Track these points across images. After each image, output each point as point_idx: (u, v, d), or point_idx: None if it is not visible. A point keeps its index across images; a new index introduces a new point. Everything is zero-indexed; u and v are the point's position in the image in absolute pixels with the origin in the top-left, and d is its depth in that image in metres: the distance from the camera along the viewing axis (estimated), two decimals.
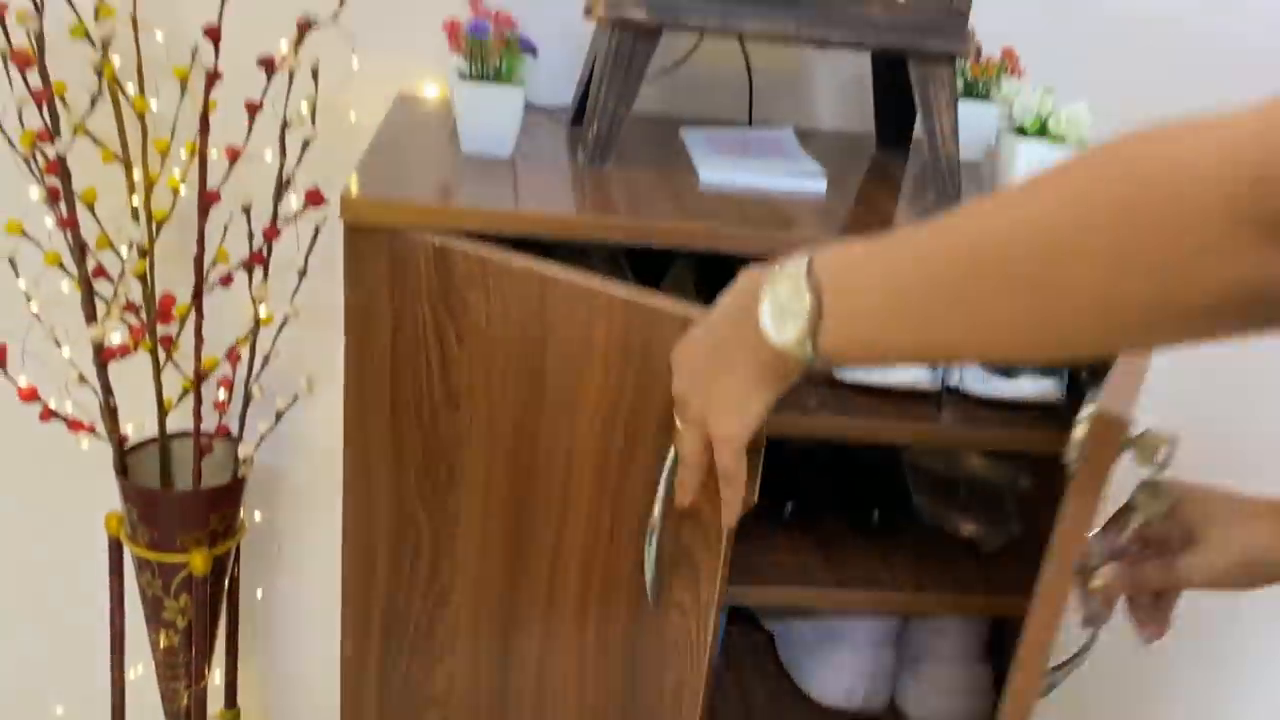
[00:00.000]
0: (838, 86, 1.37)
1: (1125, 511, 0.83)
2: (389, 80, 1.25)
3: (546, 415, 0.91)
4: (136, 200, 1.10)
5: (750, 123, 1.33)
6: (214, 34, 1.04)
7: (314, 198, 1.09)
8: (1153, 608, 0.86)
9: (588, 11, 1.05)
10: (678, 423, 0.78)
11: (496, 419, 0.93)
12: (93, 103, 1.02)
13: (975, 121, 1.20)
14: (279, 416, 1.18)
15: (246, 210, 1.06)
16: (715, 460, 0.76)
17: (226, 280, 1.14)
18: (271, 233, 1.09)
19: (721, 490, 0.79)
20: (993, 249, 0.55)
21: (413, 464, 0.97)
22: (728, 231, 0.93)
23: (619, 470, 0.90)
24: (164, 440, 1.22)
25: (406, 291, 0.92)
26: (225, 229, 1.16)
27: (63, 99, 1.10)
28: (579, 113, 1.21)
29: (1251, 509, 0.82)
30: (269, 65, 1.05)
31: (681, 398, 0.76)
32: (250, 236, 1.08)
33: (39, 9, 1.02)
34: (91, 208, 1.12)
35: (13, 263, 1.14)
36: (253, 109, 1.07)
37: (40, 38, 1.02)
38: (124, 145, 1.15)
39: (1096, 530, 0.82)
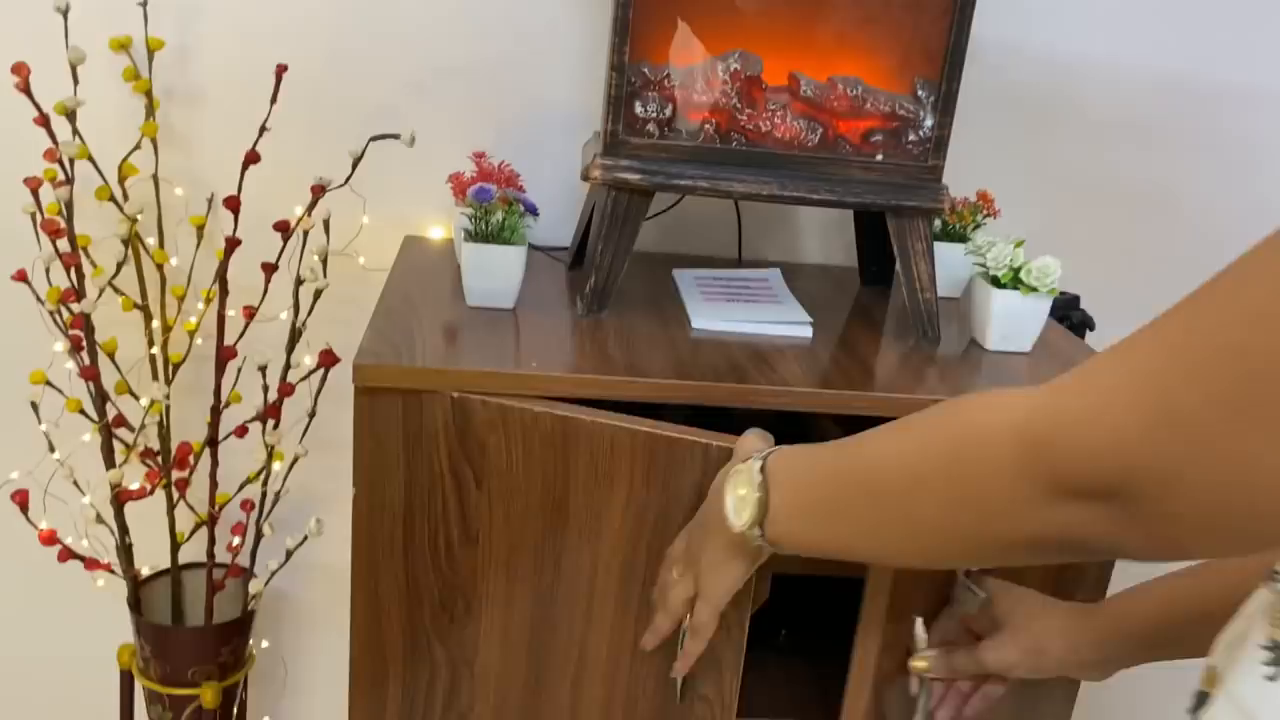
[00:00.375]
0: (822, 225, 1.44)
1: (949, 604, 0.96)
2: (396, 225, 1.31)
3: (569, 542, 0.97)
4: (155, 349, 1.16)
5: (739, 258, 1.40)
6: (233, 204, 1.11)
7: (327, 358, 1.15)
8: (969, 694, 0.97)
9: (585, 176, 1.12)
10: (674, 574, 0.86)
11: (517, 550, 0.98)
12: (118, 268, 1.07)
13: (952, 261, 1.26)
14: (289, 555, 1.22)
15: (262, 369, 1.11)
16: (693, 612, 0.87)
17: (241, 431, 1.19)
18: (286, 389, 1.15)
19: (687, 642, 0.89)
20: (876, 475, 0.67)
21: (428, 600, 1.01)
22: (720, 390, 0.99)
23: (642, 590, 0.97)
24: (176, 574, 1.26)
25: (421, 442, 0.97)
26: (239, 371, 1.22)
27: (87, 253, 1.16)
28: (578, 255, 1.27)
29: (1051, 606, 0.92)
30: (284, 229, 1.11)
31: (677, 559, 0.88)
32: (265, 389, 1.13)
33: (69, 178, 1.09)
34: (111, 356, 1.18)
35: (34, 407, 1.19)
36: (269, 270, 1.13)
37: (69, 205, 1.08)
38: (143, 294, 1.21)
39: (921, 620, 0.95)
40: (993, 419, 0.57)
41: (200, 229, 1.23)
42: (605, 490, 0.96)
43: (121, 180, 1.19)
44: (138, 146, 1.19)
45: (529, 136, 1.32)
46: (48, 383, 1.16)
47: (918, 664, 0.95)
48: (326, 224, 1.19)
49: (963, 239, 1.28)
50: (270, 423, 1.14)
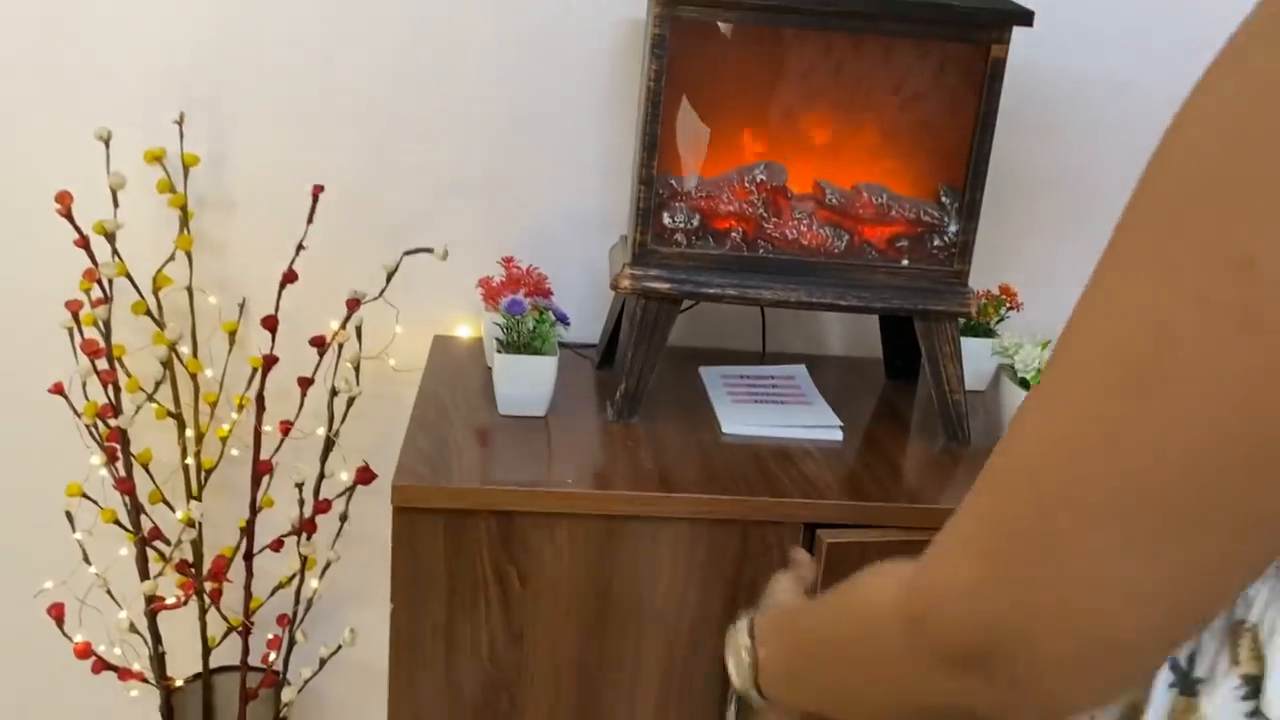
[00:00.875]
0: (845, 318, 1.44)
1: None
2: (425, 326, 1.32)
3: (611, 629, 1.00)
4: (190, 459, 1.17)
5: (763, 352, 1.41)
6: (271, 323, 1.12)
7: (364, 475, 1.16)
8: None
9: (614, 285, 1.13)
10: None
11: (561, 643, 1.00)
12: (156, 386, 1.09)
13: (976, 354, 1.27)
14: (323, 663, 1.22)
15: (299, 485, 1.12)
16: None
17: (277, 545, 1.20)
18: (321, 506, 1.16)
19: None
20: (815, 643, 0.69)
21: (471, 702, 1.02)
22: (755, 505, 1.00)
23: (684, 668, 1.01)
24: (208, 679, 1.26)
25: (463, 554, 0.98)
26: (270, 479, 1.23)
27: (122, 363, 1.18)
28: (606, 355, 1.28)
29: None
30: (320, 344, 1.12)
31: None
32: (301, 504, 1.14)
33: (107, 296, 1.11)
34: (146, 466, 1.19)
35: (69, 517, 1.20)
36: (305, 384, 1.15)
37: (108, 323, 1.10)
38: (176, 402, 1.22)
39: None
40: (882, 599, 0.58)
41: (232, 335, 1.25)
42: (647, 580, 0.99)
43: (156, 291, 1.21)
44: (171, 258, 1.21)
45: (556, 237, 1.34)
46: (84, 495, 1.17)
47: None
48: (359, 331, 1.20)
49: (987, 333, 1.29)
50: (304, 535, 1.14)
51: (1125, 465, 0.42)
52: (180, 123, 1.18)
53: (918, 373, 1.35)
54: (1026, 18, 1.05)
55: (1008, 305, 1.32)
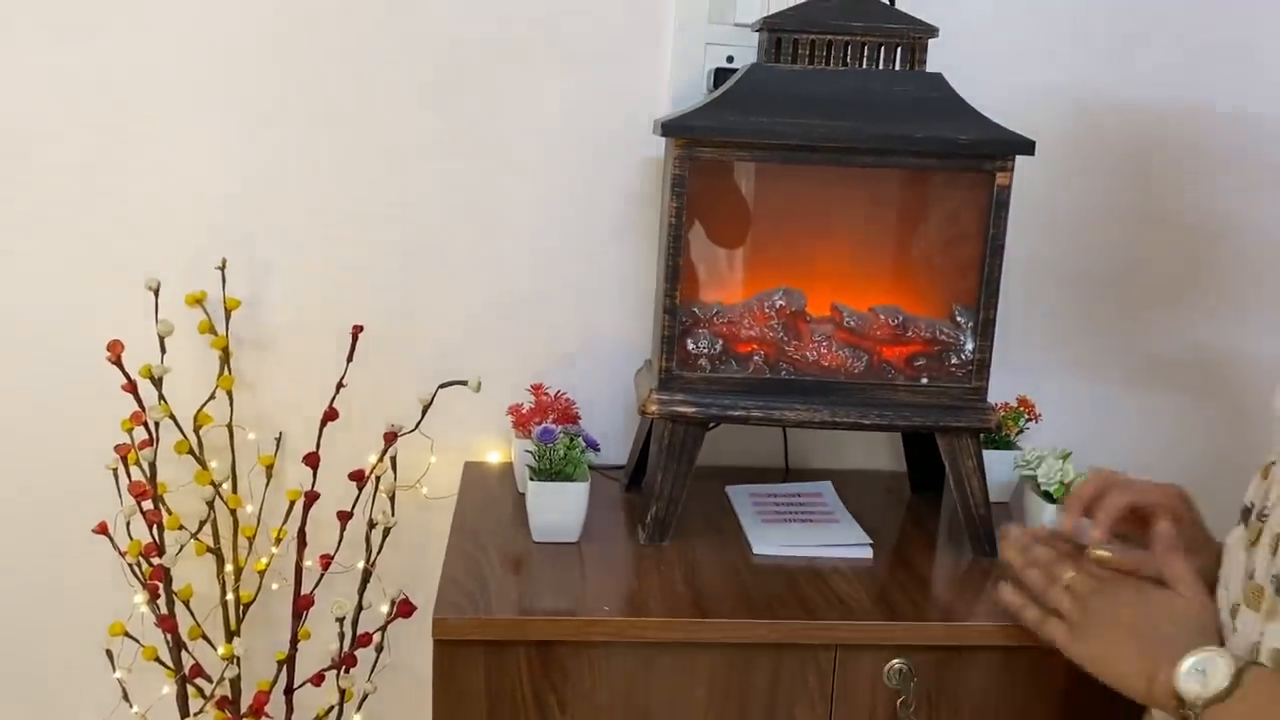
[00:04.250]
0: (867, 434, 1.47)
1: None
2: (456, 453, 1.35)
3: None
4: (229, 594, 1.19)
5: (786, 468, 1.43)
6: (313, 460, 1.16)
7: (405, 609, 1.18)
8: None
9: (642, 410, 1.16)
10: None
11: None
12: (200, 526, 1.12)
13: (999, 466, 1.29)
14: None
15: (340, 620, 1.14)
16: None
17: (318, 680, 1.21)
18: (363, 639, 1.18)
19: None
20: None
21: None
22: (791, 628, 1.01)
23: None
24: None
25: (503, 683, 0.99)
26: (307, 613, 1.24)
27: (164, 500, 1.21)
28: (634, 476, 1.31)
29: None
30: (359, 479, 1.16)
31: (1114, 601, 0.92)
32: (341, 637, 1.15)
33: (152, 438, 1.14)
34: (186, 603, 1.21)
35: (110, 655, 1.22)
36: (344, 518, 1.17)
37: (153, 465, 1.13)
38: (216, 538, 1.25)
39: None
40: None
41: (269, 469, 1.28)
42: (684, 704, 1.00)
43: (197, 429, 1.25)
44: (212, 397, 1.25)
45: (580, 362, 1.38)
46: (125, 634, 1.18)
47: (1100, 554, 0.95)
48: (394, 462, 1.24)
49: (1007, 445, 1.32)
50: (345, 668, 1.16)
51: None
52: (222, 268, 1.24)
53: (941, 485, 1.37)
54: (1028, 147, 1.11)
55: (1027, 417, 1.35)
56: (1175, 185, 1.41)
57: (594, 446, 1.16)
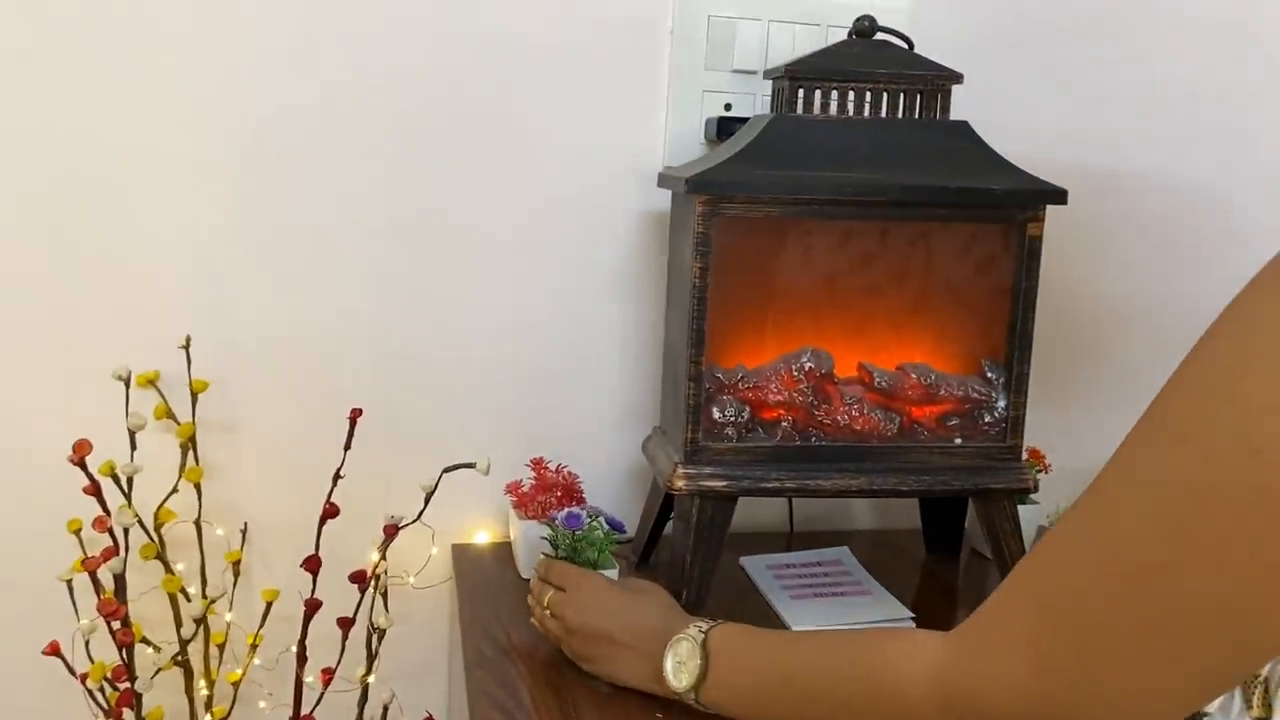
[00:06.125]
0: None
1: None
2: (443, 536, 1.24)
3: None
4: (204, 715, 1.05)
5: (791, 529, 1.36)
6: (313, 565, 1.03)
7: None
8: None
9: (667, 487, 1.08)
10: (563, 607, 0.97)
11: None
12: (173, 661, 0.98)
13: None
14: None
15: None
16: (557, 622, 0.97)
17: None
18: None
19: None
20: (806, 683, 0.77)
21: None
22: None
23: None
24: None
25: None
26: None
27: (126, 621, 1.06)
28: (647, 550, 1.22)
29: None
30: (361, 579, 1.04)
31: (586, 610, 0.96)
32: None
33: (117, 546, 1.00)
34: None
35: None
36: (346, 625, 1.05)
37: (122, 578, 0.99)
38: (183, 648, 1.11)
39: None
40: (913, 670, 0.66)
41: (236, 565, 1.15)
42: None
43: (158, 527, 1.10)
44: (175, 490, 1.11)
45: (579, 429, 1.28)
46: None
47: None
48: (384, 554, 1.12)
49: (1023, 500, 1.28)
50: None
51: (1169, 595, 0.52)
52: (187, 346, 1.10)
53: (959, 545, 1.32)
54: (1060, 196, 1.07)
55: (1039, 469, 1.31)
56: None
57: (619, 529, 1.07)
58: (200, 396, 1.14)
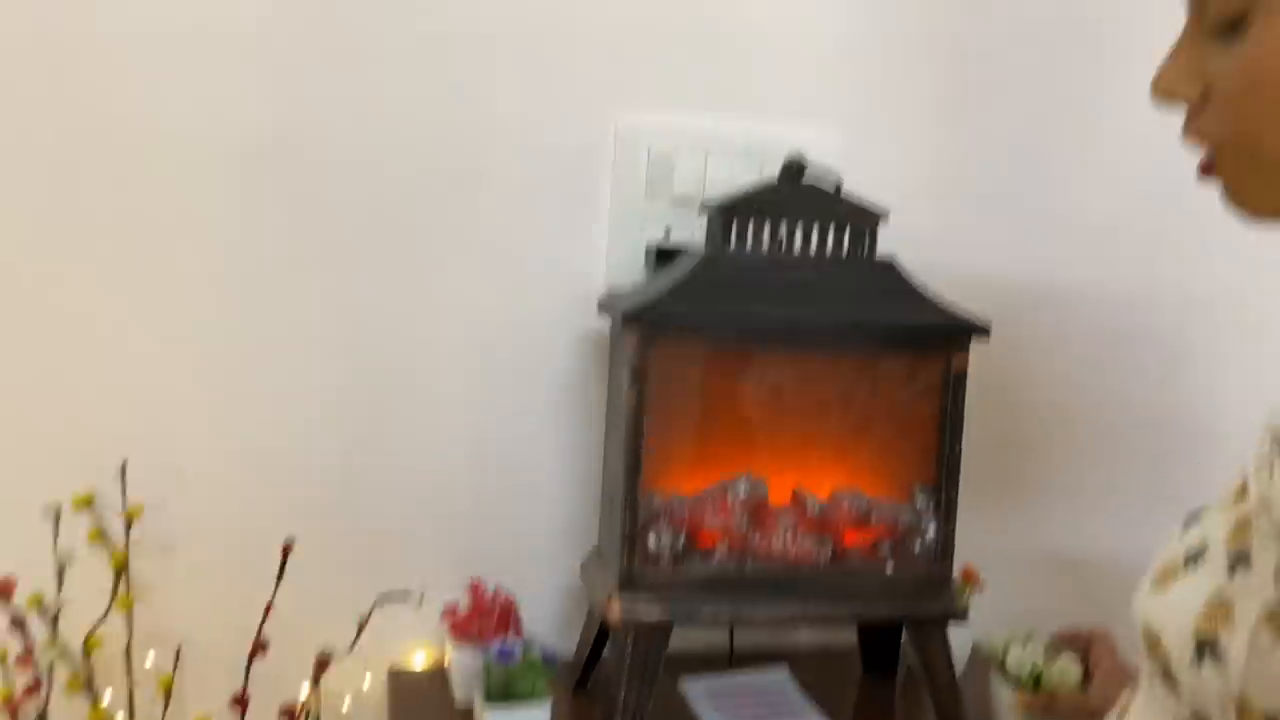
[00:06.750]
0: None
1: None
2: (378, 661, 1.23)
3: None
4: None
5: (731, 650, 1.36)
6: (242, 701, 1.02)
7: None
8: None
9: (603, 618, 1.08)
10: None
11: None
12: None
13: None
14: None
15: None
16: None
17: None
18: None
19: None
20: None
21: None
22: None
23: None
24: None
25: None
26: None
27: None
28: (585, 674, 1.21)
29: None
30: (290, 715, 1.03)
31: None
32: None
33: (40, 682, 0.99)
34: None
35: None
36: None
37: (44, 717, 0.97)
38: None
39: None
40: None
41: (168, 693, 1.13)
42: None
43: (87, 654, 1.09)
44: (104, 618, 1.10)
45: (516, 548, 1.29)
46: None
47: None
48: (317, 678, 1.11)
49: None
50: None
51: None
52: (123, 470, 1.10)
53: (895, 664, 1.33)
54: (983, 332, 1.11)
55: (970, 591, 1.32)
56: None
57: (551, 661, 1.07)
58: (139, 517, 1.13)
